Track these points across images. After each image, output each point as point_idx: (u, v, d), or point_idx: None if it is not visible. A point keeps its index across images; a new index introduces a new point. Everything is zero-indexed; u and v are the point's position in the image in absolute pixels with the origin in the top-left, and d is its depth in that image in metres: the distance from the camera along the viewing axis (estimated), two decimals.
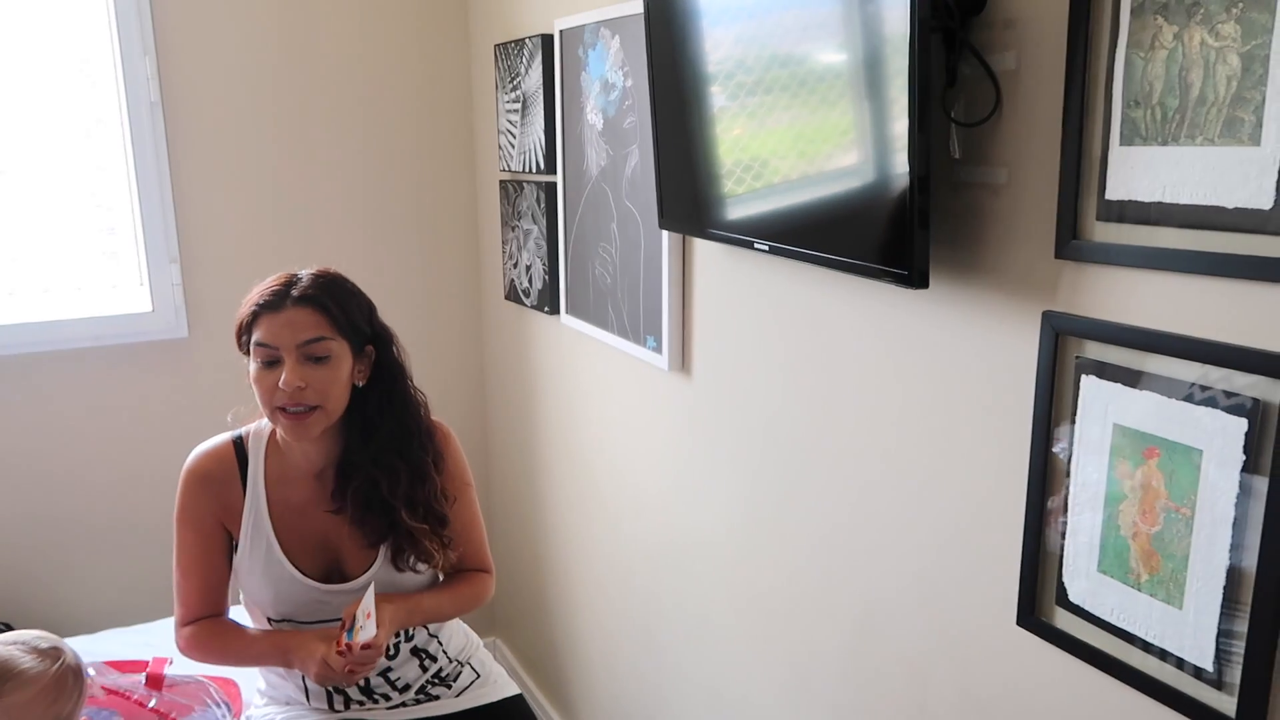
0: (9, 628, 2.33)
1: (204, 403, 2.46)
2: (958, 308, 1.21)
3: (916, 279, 1.13)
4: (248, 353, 1.53)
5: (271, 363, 1.48)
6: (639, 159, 1.84)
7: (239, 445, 1.62)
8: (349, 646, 1.44)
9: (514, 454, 2.76)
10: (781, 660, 1.67)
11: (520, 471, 2.72)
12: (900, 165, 1.12)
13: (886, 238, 1.18)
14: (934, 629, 1.32)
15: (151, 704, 1.67)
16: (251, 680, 1.74)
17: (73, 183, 2.37)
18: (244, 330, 1.52)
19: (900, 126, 1.11)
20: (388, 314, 1.65)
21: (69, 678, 1.34)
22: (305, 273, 1.54)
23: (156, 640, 2.04)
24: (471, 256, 2.82)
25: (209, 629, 1.61)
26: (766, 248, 1.41)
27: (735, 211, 1.49)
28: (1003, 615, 1.19)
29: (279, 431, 1.59)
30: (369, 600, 1.48)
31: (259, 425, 1.63)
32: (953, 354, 1.23)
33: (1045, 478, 1.11)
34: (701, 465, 1.83)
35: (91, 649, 2.03)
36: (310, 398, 1.48)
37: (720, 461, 1.77)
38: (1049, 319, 1.07)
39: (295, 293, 1.50)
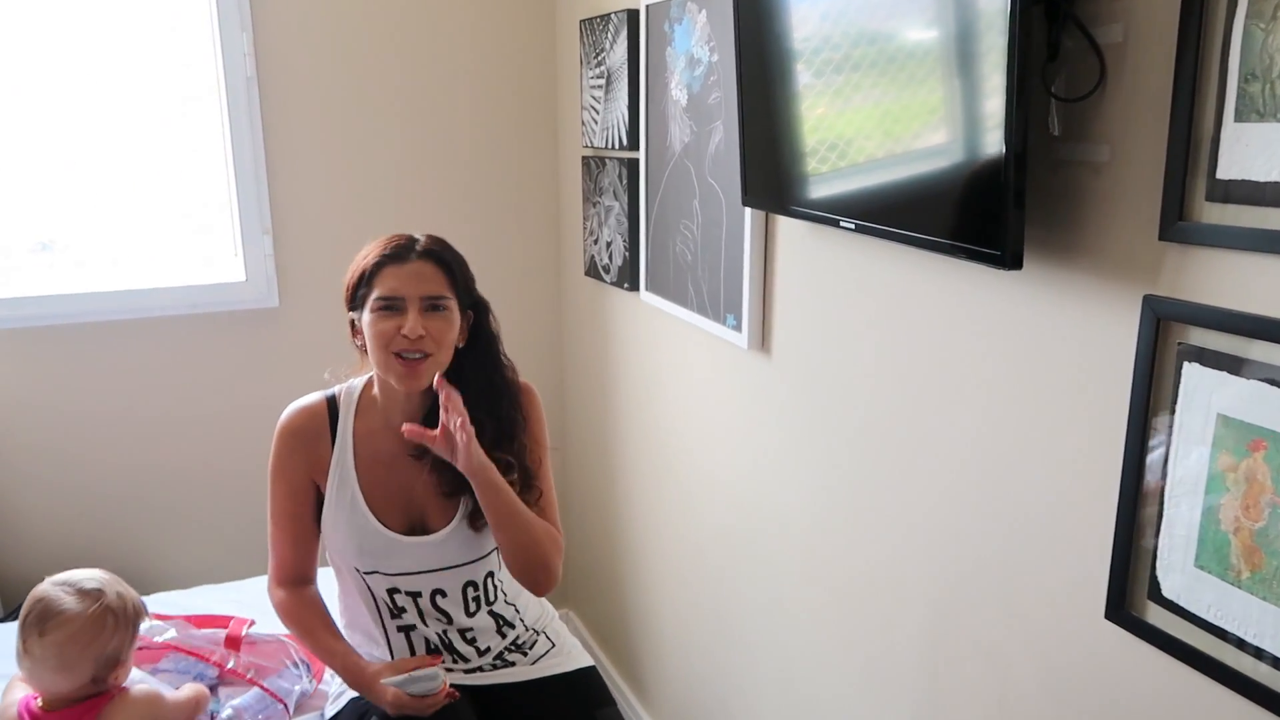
0: None
1: (292, 370, 2.52)
2: (1052, 291, 1.17)
3: (1010, 260, 1.10)
4: (357, 307, 1.58)
5: (392, 309, 1.54)
6: (723, 135, 1.82)
7: (331, 402, 1.67)
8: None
9: (591, 428, 2.78)
10: (855, 646, 1.65)
11: (597, 446, 2.74)
12: (995, 143, 1.09)
13: (979, 217, 1.14)
14: (1015, 620, 1.29)
15: (230, 664, 1.72)
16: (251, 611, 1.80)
17: (173, 156, 2.45)
18: (362, 282, 1.57)
19: (996, 103, 1.07)
20: None
21: (108, 618, 1.38)
22: (419, 234, 1.61)
23: (246, 598, 2.11)
24: (553, 232, 2.84)
25: (300, 605, 1.67)
26: (853, 226, 1.39)
27: (821, 190, 1.47)
28: (1090, 608, 1.16)
29: (380, 385, 1.64)
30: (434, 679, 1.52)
31: (351, 384, 1.69)
32: (1046, 338, 1.19)
33: (1141, 467, 1.07)
34: (778, 446, 1.82)
35: (183, 603, 2.12)
36: (428, 345, 1.53)
37: (797, 442, 1.75)
38: (1150, 303, 1.03)
39: (419, 248, 1.58)
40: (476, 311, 1.66)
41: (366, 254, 1.59)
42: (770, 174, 1.60)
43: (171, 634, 1.78)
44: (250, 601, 2.09)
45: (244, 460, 2.59)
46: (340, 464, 1.64)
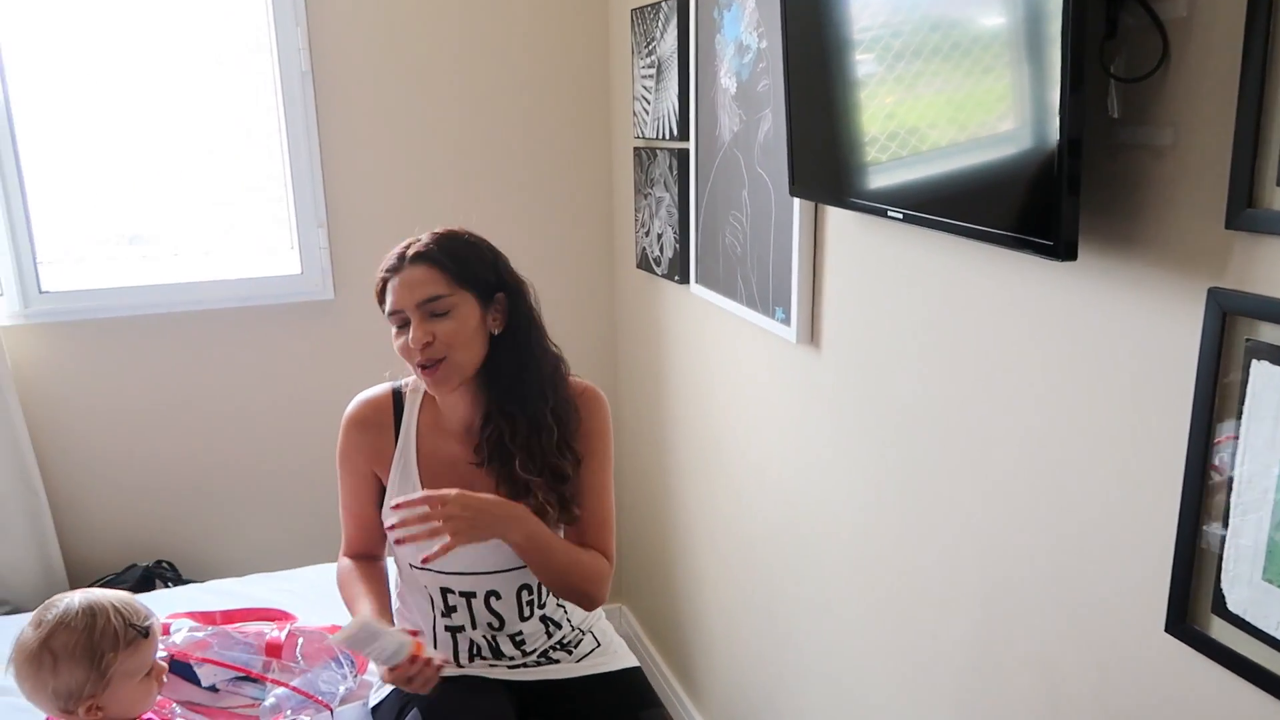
0: (172, 567, 2.51)
1: (347, 363, 2.56)
2: (1110, 283, 1.10)
3: (1063, 250, 1.04)
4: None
5: (404, 325, 1.54)
6: (771, 124, 1.77)
7: (397, 396, 1.68)
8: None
9: (643, 423, 2.75)
10: (902, 649, 1.60)
11: (649, 441, 2.72)
12: (1049, 126, 1.03)
13: (1031, 206, 1.08)
14: (1069, 630, 1.23)
15: (271, 673, 1.72)
16: (313, 609, 1.80)
17: (232, 150, 2.49)
18: (380, 299, 1.59)
19: (1050, 84, 1.01)
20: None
21: (44, 657, 1.28)
22: (425, 234, 1.59)
23: (298, 588, 2.15)
24: (605, 224, 2.81)
25: (350, 574, 1.69)
26: (900, 216, 1.33)
27: (869, 178, 1.42)
28: (1149, 620, 1.10)
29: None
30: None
31: (417, 378, 1.67)
32: (1102, 333, 1.12)
33: (1204, 473, 1.00)
34: (826, 443, 1.77)
35: (237, 591, 2.17)
36: (438, 350, 1.52)
37: (846, 439, 1.70)
38: (1215, 296, 0.96)
39: (410, 254, 1.55)
40: (509, 294, 1.61)
41: (379, 270, 1.59)
42: (818, 163, 1.55)
43: (205, 636, 1.78)
44: (301, 591, 2.13)
45: (298, 451, 2.63)
46: (403, 459, 1.64)
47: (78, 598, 1.34)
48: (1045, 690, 1.28)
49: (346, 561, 1.72)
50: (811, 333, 1.77)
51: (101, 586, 2.37)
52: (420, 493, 1.49)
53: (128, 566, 2.46)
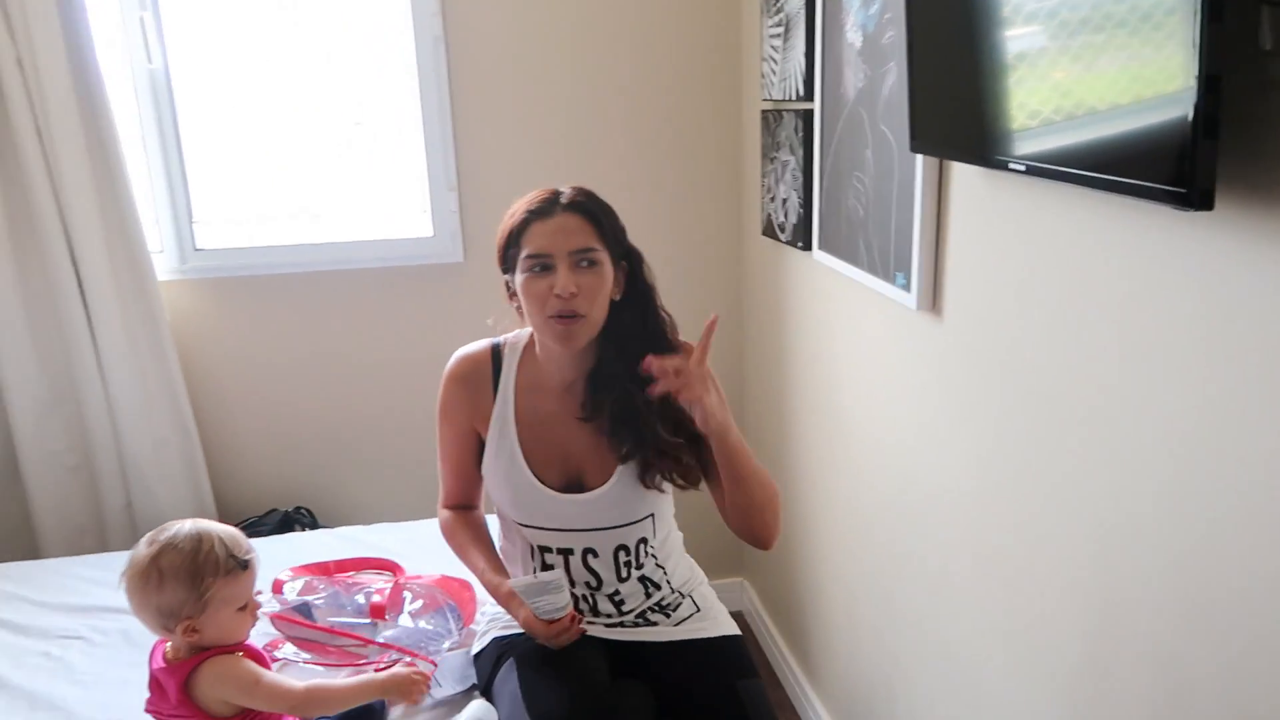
0: (310, 514, 2.65)
1: (474, 324, 2.59)
2: (1251, 235, 0.98)
3: (1197, 199, 0.93)
4: (509, 269, 1.59)
5: (543, 269, 1.52)
6: (896, 77, 1.68)
7: (496, 352, 1.69)
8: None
9: (766, 395, 2.70)
10: (1018, 635, 1.50)
11: (772, 413, 2.66)
12: (1183, 59, 0.92)
13: (1162, 150, 0.98)
14: (1199, 626, 1.11)
15: (379, 638, 1.76)
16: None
17: (369, 114, 2.58)
18: (511, 241, 1.57)
19: (1189, 14, 0.90)
20: (648, 245, 1.67)
21: (152, 574, 1.35)
22: (565, 187, 1.59)
23: (418, 538, 2.22)
24: (734, 191, 2.76)
25: (458, 521, 1.75)
26: (1023, 168, 1.23)
27: (994, 128, 1.32)
28: None
29: (540, 343, 1.64)
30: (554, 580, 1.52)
31: (516, 335, 1.71)
32: (1243, 293, 1.00)
33: None
34: (947, 415, 1.67)
35: (362, 539, 2.27)
36: (581, 305, 1.51)
37: (967, 412, 1.61)
38: None
39: (564, 200, 1.55)
40: (630, 262, 1.62)
41: (513, 212, 1.58)
42: (942, 114, 1.46)
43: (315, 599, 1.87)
44: (421, 541, 2.20)
45: (425, 408, 2.69)
46: (501, 416, 1.66)
47: (188, 524, 1.41)
48: (1167, 687, 1.17)
49: (447, 513, 1.77)
50: (933, 299, 1.67)
51: (244, 528, 2.54)
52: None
53: (269, 511, 2.62)
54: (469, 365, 1.70)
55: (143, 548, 1.38)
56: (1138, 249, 1.16)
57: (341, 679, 1.50)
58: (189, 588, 1.35)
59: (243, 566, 1.40)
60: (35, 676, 1.78)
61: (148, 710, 1.44)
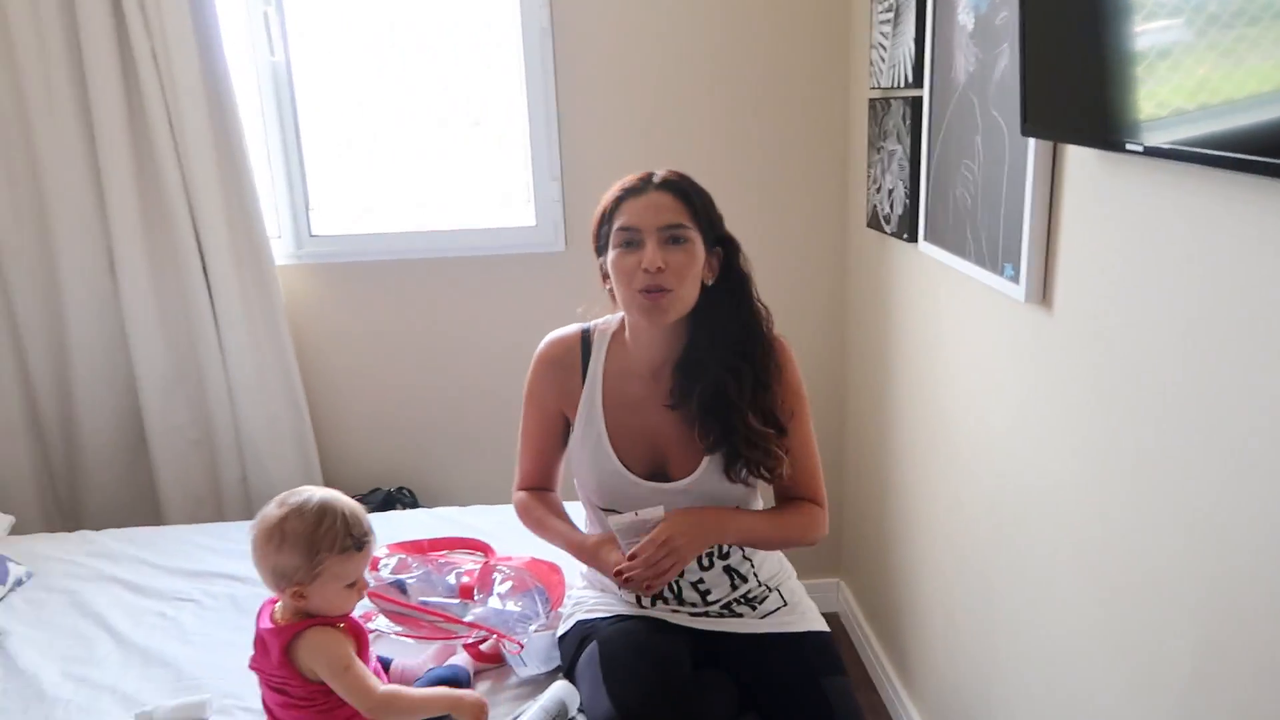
0: (411, 494, 2.72)
1: (575, 313, 2.64)
2: None
3: None
4: (602, 249, 1.60)
5: (632, 245, 1.53)
6: (1009, 59, 1.61)
7: (586, 336, 1.70)
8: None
9: (870, 390, 2.63)
10: (1125, 650, 1.41)
11: (874, 408, 2.60)
12: None
13: None
14: None
15: (468, 617, 1.78)
16: (576, 563, 1.84)
17: (475, 104, 2.63)
18: (605, 220, 1.59)
19: None
20: (751, 237, 1.67)
21: (275, 534, 1.40)
22: (660, 169, 1.60)
23: (511, 519, 2.22)
24: (839, 182, 2.70)
25: (534, 500, 1.76)
26: (1140, 149, 1.16)
27: (1117, 110, 1.24)
28: None
29: (629, 325, 1.65)
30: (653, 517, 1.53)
31: (606, 320, 1.72)
32: None
33: None
34: (1056, 415, 1.59)
35: (457, 519, 2.31)
36: (669, 280, 1.51)
37: (1078, 412, 1.52)
38: None
39: (657, 180, 1.57)
40: (725, 249, 1.61)
41: (608, 194, 1.60)
42: (1059, 95, 1.38)
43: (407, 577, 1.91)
44: (514, 524, 2.19)
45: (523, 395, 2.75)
46: (589, 401, 1.66)
47: (319, 494, 1.46)
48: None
49: (522, 494, 1.77)
50: (1043, 291, 1.60)
51: None
52: (637, 546, 1.53)
53: (372, 489, 2.70)
54: (559, 348, 1.71)
55: (273, 508, 1.44)
56: (1274, 237, 1.08)
57: (417, 690, 1.51)
58: (305, 556, 1.40)
59: (358, 547, 1.44)
60: (150, 634, 1.88)
61: (251, 667, 1.50)
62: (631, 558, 1.52)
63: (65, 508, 2.68)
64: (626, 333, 1.67)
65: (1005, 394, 1.77)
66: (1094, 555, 1.49)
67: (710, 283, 1.59)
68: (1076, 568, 1.55)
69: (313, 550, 1.40)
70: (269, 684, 1.47)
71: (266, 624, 1.47)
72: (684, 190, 1.55)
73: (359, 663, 1.44)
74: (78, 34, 2.33)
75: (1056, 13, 1.38)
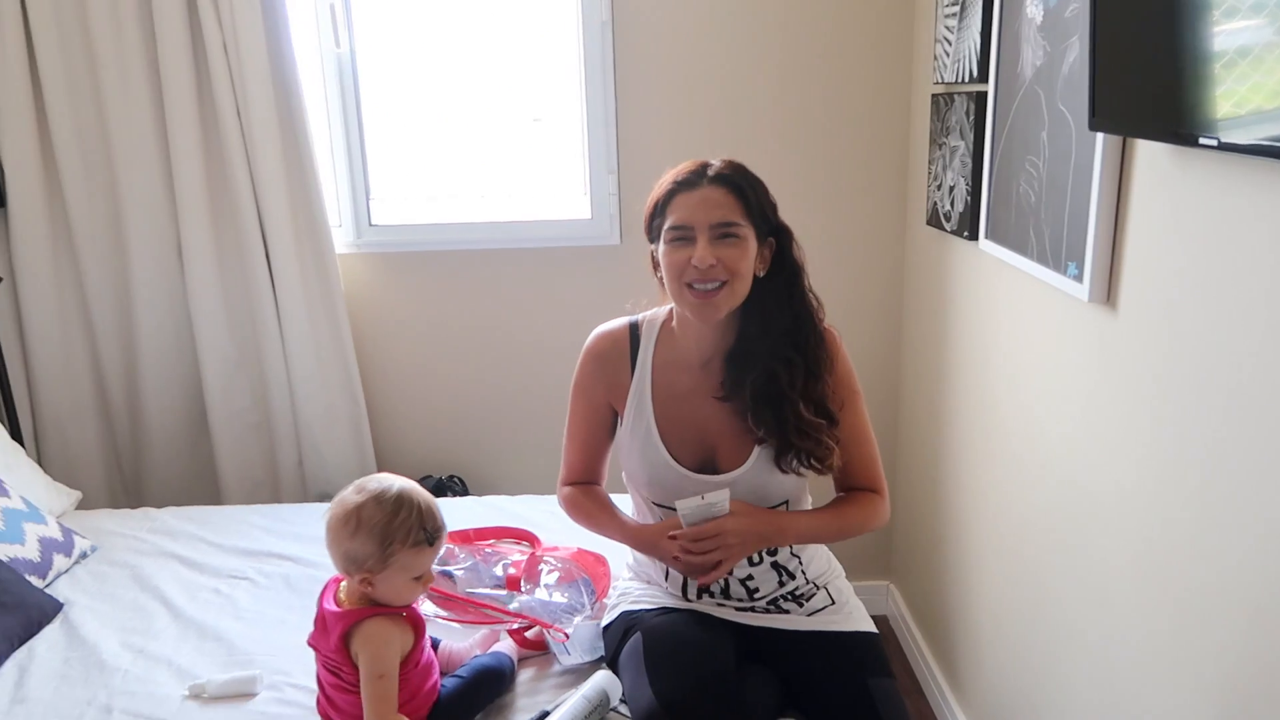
0: (461, 482, 2.75)
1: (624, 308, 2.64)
2: None
3: None
4: (654, 240, 1.60)
5: (683, 240, 1.53)
6: (1079, 52, 1.57)
7: (634, 330, 1.70)
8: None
9: (925, 390, 2.59)
10: (1189, 666, 1.37)
11: (929, 409, 2.55)
12: None
13: None
14: None
15: (512, 605, 1.79)
16: (621, 555, 1.84)
17: (530, 95, 2.64)
18: (657, 212, 1.58)
19: None
20: (808, 232, 1.65)
21: (351, 521, 1.41)
22: (715, 159, 1.58)
23: (558, 510, 2.25)
24: (898, 178, 2.66)
25: (582, 493, 1.75)
26: (1215, 143, 1.12)
27: (1192, 104, 1.20)
28: None
29: (678, 317, 1.64)
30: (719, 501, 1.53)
31: (654, 313, 1.71)
32: None
33: None
34: (1119, 419, 1.55)
35: (506, 508, 2.33)
36: (719, 274, 1.50)
37: (1143, 417, 1.48)
38: None
39: (711, 173, 1.55)
40: (779, 239, 1.60)
41: (662, 182, 1.59)
42: (1129, 88, 1.34)
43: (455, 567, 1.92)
44: (562, 514, 2.23)
45: None
46: (638, 394, 1.66)
47: (398, 484, 1.47)
48: None
49: (570, 489, 1.77)
50: (1107, 290, 1.55)
51: None
52: (698, 527, 1.54)
53: (423, 477, 2.73)
54: (607, 342, 1.70)
55: (351, 493, 1.45)
56: None
57: None
58: (377, 545, 1.41)
59: (430, 541, 1.45)
60: (205, 610, 1.93)
61: (310, 643, 1.52)
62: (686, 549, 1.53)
63: (130, 485, 2.75)
64: (674, 323, 1.66)
65: (1066, 397, 1.73)
66: (1158, 566, 1.45)
67: (762, 274, 1.58)
68: (1138, 579, 1.50)
69: (386, 540, 1.41)
70: (325, 664, 1.49)
71: (331, 605, 1.49)
72: (738, 184, 1.53)
73: (395, 675, 1.43)
74: (153, 27, 2.39)
75: (1129, 6, 1.33)
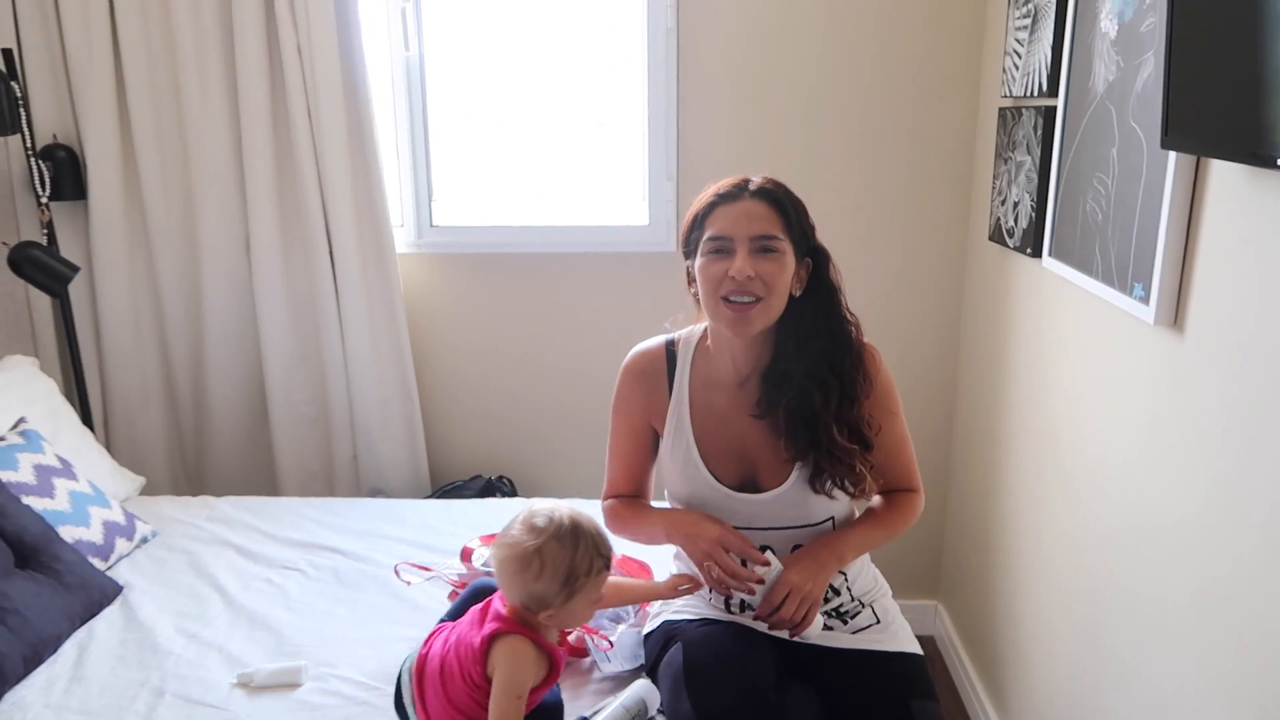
0: (510, 483, 2.77)
1: (684, 314, 2.63)
2: None
3: None
4: (690, 252, 1.59)
5: (722, 252, 1.52)
6: (1154, 68, 1.52)
7: (670, 348, 1.69)
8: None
9: (981, 408, 2.54)
10: (1246, 690, 1.32)
11: (985, 428, 2.50)
12: None
13: None
14: None
15: None
16: (665, 564, 1.83)
17: (595, 100, 2.66)
18: (695, 225, 1.58)
19: None
20: (866, 249, 1.63)
21: (534, 561, 1.38)
22: (756, 176, 1.57)
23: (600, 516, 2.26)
24: (962, 193, 2.62)
25: (623, 504, 1.75)
26: None
27: (1276, 121, 1.16)
28: None
29: (713, 334, 1.63)
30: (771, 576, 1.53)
31: (690, 331, 1.70)
32: None
33: None
34: (1183, 445, 1.50)
35: None
36: (757, 288, 1.49)
37: (1205, 444, 1.43)
38: None
39: (752, 187, 1.54)
40: (816, 259, 1.58)
41: (701, 196, 1.58)
42: (1205, 106, 1.30)
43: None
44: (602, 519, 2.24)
45: None
46: (676, 413, 1.66)
47: (566, 514, 1.43)
48: None
49: (613, 500, 1.76)
50: (1175, 313, 1.50)
51: (450, 491, 2.67)
52: (769, 599, 1.53)
53: (473, 476, 2.75)
54: (645, 361, 1.70)
55: (523, 534, 1.41)
56: None
57: None
58: (563, 583, 1.40)
59: (607, 566, 1.45)
60: (257, 599, 1.97)
61: (444, 623, 1.54)
62: (768, 615, 1.53)
63: (191, 473, 2.83)
64: (709, 341, 1.65)
65: (1128, 421, 1.68)
66: (1220, 602, 1.39)
67: (798, 293, 1.56)
68: (1198, 614, 1.45)
69: (572, 577, 1.40)
70: (456, 651, 1.46)
71: (499, 605, 1.46)
72: (779, 200, 1.52)
73: (524, 700, 1.41)
74: (232, 29, 2.46)
75: (1208, 22, 1.29)
